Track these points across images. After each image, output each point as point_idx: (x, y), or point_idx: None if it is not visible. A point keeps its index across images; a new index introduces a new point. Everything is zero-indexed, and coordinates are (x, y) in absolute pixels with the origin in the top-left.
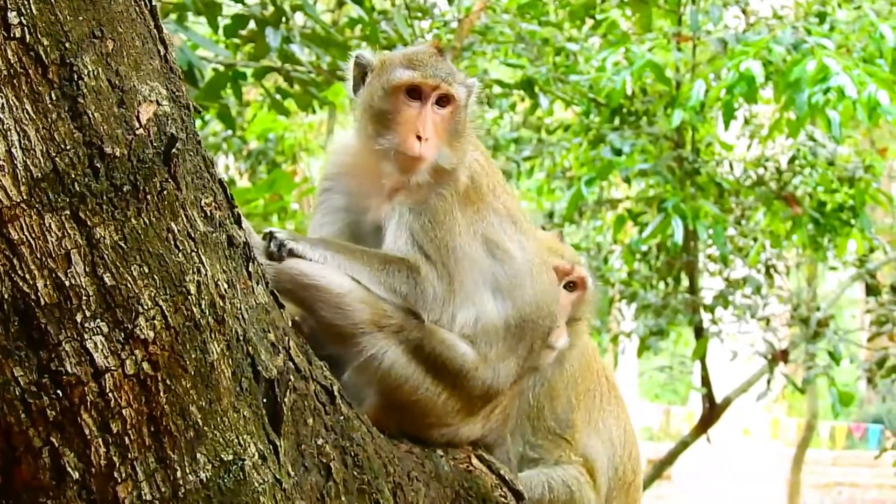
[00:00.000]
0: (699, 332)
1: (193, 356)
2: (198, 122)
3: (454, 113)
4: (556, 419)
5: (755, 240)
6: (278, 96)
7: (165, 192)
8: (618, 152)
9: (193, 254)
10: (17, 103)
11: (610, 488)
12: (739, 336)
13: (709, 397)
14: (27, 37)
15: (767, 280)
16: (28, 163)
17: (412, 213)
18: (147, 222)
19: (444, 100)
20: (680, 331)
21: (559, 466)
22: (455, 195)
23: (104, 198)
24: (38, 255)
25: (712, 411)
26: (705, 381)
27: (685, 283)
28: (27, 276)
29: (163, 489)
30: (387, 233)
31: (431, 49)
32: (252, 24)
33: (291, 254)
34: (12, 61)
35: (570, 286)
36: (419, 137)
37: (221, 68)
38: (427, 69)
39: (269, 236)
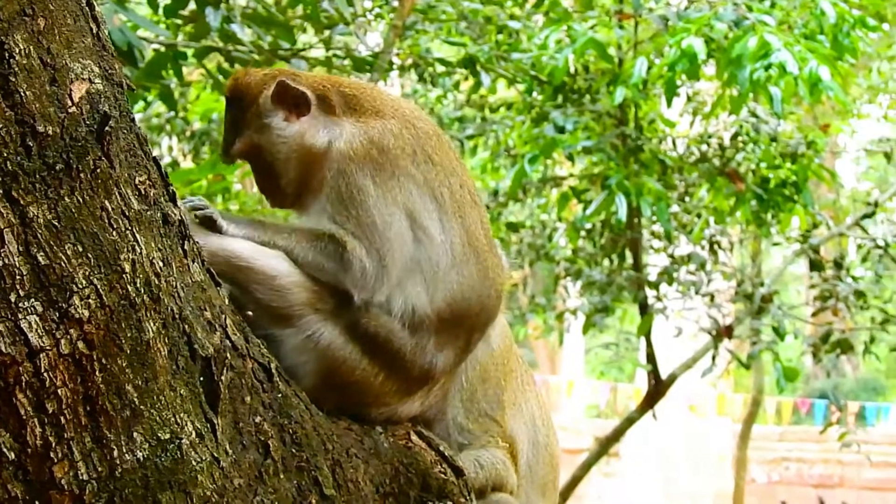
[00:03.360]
0: (644, 309)
1: (129, 335)
2: (140, 104)
3: (262, 153)
4: (488, 400)
5: (699, 216)
6: (220, 77)
7: (99, 171)
8: (561, 130)
9: (128, 232)
10: None
11: (535, 471)
12: (684, 312)
13: (654, 374)
14: None
15: (711, 256)
16: None
17: (324, 196)
18: (80, 201)
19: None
20: (625, 308)
21: (484, 449)
22: (352, 163)
23: (37, 176)
24: None
25: (658, 388)
26: (650, 358)
27: (630, 259)
28: None
29: (99, 469)
30: (310, 218)
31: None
32: (192, 5)
33: (214, 226)
34: None
35: None
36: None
37: (162, 49)
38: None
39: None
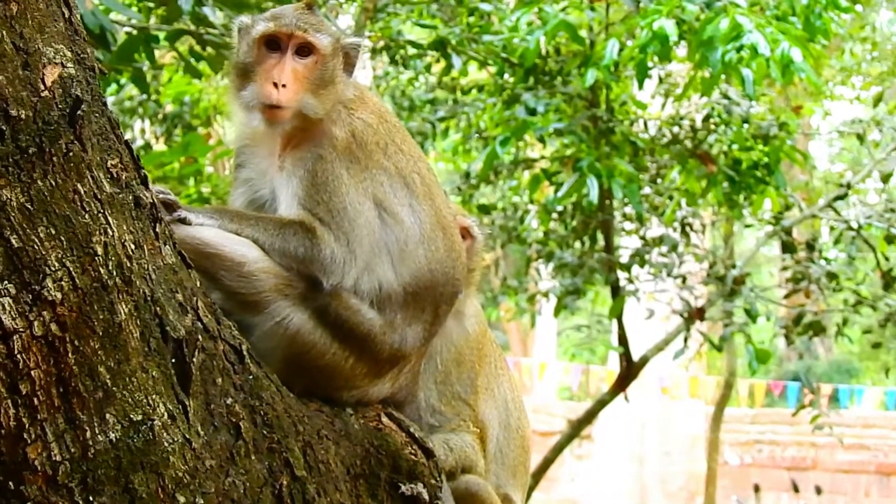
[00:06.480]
0: (616, 291)
1: (101, 317)
2: (113, 87)
3: (318, 62)
4: (462, 383)
5: (671, 198)
6: (192, 59)
7: (71, 154)
8: (532, 112)
9: (100, 215)
10: None
11: (506, 453)
12: (656, 294)
13: (626, 356)
14: None
15: (683, 238)
16: None
17: (297, 179)
18: (53, 184)
19: (305, 49)
20: (597, 290)
21: (454, 433)
22: (334, 151)
23: (10, 160)
24: None
25: (630, 370)
26: (622, 340)
27: (601, 242)
28: None
29: (72, 450)
30: (280, 202)
31: (300, 4)
32: None
33: (184, 223)
34: None
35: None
36: (276, 85)
37: (134, 32)
38: (285, 19)
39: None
